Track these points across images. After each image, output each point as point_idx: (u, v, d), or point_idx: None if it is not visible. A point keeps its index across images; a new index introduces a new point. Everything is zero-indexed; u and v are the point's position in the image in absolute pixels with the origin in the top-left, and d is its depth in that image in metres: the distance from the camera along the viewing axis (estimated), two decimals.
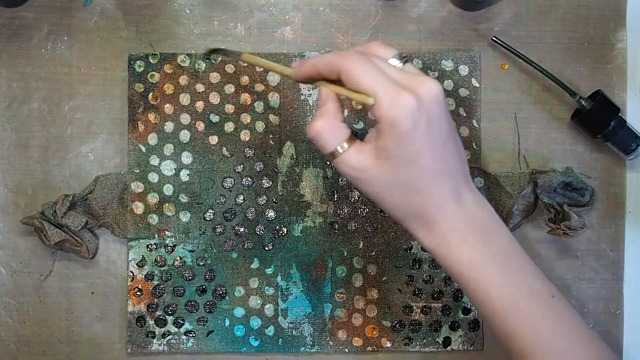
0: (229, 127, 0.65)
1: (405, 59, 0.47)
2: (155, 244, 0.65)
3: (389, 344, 0.65)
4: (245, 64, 0.65)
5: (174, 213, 0.65)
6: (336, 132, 0.47)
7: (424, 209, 0.47)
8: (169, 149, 0.65)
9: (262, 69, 0.65)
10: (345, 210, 0.65)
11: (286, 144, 0.65)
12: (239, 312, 0.65)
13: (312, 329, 0.65)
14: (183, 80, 0.65)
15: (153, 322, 0.64)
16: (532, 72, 0.66)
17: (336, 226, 0.65)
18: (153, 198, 0.65)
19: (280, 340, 0.65)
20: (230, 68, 0.65)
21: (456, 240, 0.48)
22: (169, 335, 0.65)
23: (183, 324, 0.65)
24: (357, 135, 0.48)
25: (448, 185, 0.47)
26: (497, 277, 0.48)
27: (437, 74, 0.66)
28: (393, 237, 0.65)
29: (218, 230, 0.65)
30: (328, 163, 0.65)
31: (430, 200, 0.47)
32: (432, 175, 0.46)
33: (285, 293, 0.65)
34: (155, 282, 0.65)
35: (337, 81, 0.46)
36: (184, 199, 0.65)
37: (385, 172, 0.46)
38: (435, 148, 0.46)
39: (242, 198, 0.65)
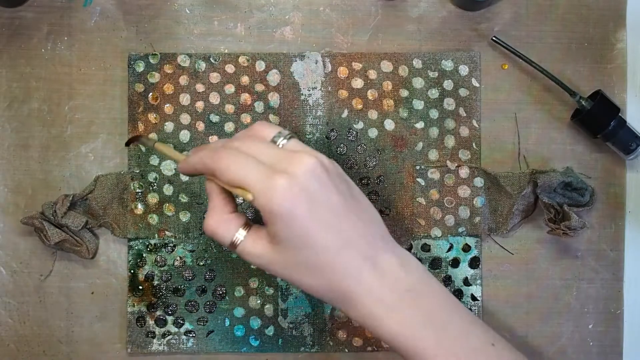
0: (229, 127, 0.65)
1: (289, 135, 0.47)
2: (155, 244, 0.65)
3: (386, 345, 0.65)
4: (245, 65, 0.65)
5: (174, 213, 0.65)
6: (228, 225, 0.47)
7: (336, 285, 0.45)
8: None
9: (262, 69, 0.65)
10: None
11: None
12: (239, 312, 0.65)
13: (312, 328, 0.65)
14: (183, 80, 0.65)
15: (153, 322, 0.64)
16: (532, 72, 0.66)
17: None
18: (153, 198, 0.65)
19: (280, 340, 0.65)
20: (230, 68, 0.66)
21: (382, 310, 0.45)
22: (169, 335, 0.65)
23: (183, 324, 0.65)
24: None
25: (355, 255, 0.45)
26: (432, 342, 0.46)
27: (437, 74, 0.66)
28: (393, 237, 0.65)
29: None
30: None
31: (339, 276, 0.45)
32: (331, 251, 0.44)
33: (285, 293, 0.65)
34: (155, 282, 0.65)
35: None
36: (184, 199, 0.65)
37: (283, 256, 0.45)
38: (326, 223, 0.44)
39: (242, 198, 0.65)
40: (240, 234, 0.47)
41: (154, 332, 0.64)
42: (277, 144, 0.46)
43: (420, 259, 0.65)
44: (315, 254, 0.44)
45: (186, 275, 0.65)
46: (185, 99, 0.65)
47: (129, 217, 0.65)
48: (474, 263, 0.66)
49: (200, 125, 0.65)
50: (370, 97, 0.66)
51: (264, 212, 0.44)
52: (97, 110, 0.66)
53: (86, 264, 0.65)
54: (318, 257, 0.44)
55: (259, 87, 0.66)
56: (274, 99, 0.66)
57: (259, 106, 0.65)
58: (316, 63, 0.66)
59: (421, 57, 0.66)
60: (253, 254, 0.46)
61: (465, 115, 0.66)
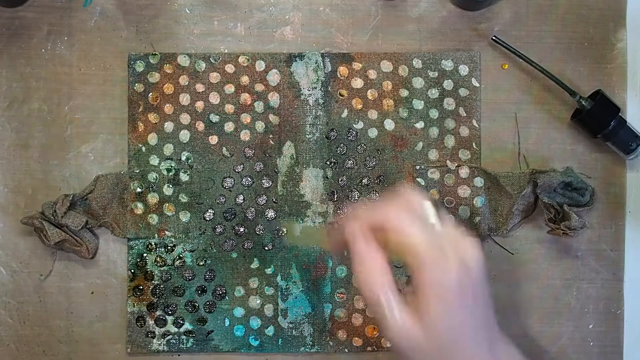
0: (229, 127, 0.65)
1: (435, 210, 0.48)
2: (155, 243, 0.65)
3: (389, 344, 0.65)
4: (245, 65, 0.65)
5: (174, 213, 0.65)
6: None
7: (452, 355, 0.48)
8: (169, 149, 0.65)
9: (262, 69, 0.65)
10: (345, 211, 0.65)
11: (286, 144, 0.65)
12: (239, 312, 0.65)
13: (312, 329, 0.65)
14: (183, 80, 0.65)
15: (153, 322, 0.64)
16: (532, 72, 0.66)
17: (336, 226, 0.65)
18: (153, 198, 0.65)
19: (280, 340, 0.65)
20: (230, 68, 0.66)
21: None
22: (168, 335, 0.65)
23: (183, 324, 0.65)
24: None
25: (481, 340, 0.48)
26: None
27: (437, 74, 0.66)
28: None
29: (218, 230, 0.65)
30: (328, 163, 0.65)
31: (463, 352, 0.48)
32: (469, 334, 0.47)
33: (285, 293, 0.65)
34: (155, 282, 0.65)
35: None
36: (184, 199, 0.65)
37: (422, 332, 0.46)
38: (476, 310, 0.47)
39: (242, 198, 0.65)
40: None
41: (153, 332, 0.64)
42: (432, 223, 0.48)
43: None
44: (455, 336, 0.47)
45: (186, 275, 0.65)
46: (185, 99, 0.65)
47: (129, 217, 0.65)
48: None
49: (200, 125, 0.65)
50: (370, 97, 0.66)
51: (425, 284, 0.46)
52: (97, 110, 0.66)
53: (86, 264, 0.65)
54: (457, 340, 0.47)
55: (259, 87, 0.66)
56: (273, 98, 0.66)
57: (259, 106, 0.65)
58: (316, 63, 0.66)
59: (421, 57, 0.66)
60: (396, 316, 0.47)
61: (465, 115, 0.66)
